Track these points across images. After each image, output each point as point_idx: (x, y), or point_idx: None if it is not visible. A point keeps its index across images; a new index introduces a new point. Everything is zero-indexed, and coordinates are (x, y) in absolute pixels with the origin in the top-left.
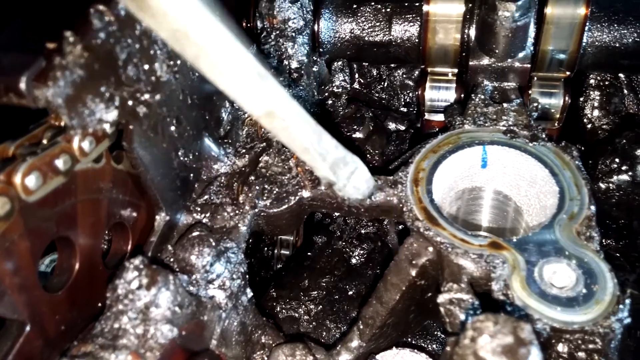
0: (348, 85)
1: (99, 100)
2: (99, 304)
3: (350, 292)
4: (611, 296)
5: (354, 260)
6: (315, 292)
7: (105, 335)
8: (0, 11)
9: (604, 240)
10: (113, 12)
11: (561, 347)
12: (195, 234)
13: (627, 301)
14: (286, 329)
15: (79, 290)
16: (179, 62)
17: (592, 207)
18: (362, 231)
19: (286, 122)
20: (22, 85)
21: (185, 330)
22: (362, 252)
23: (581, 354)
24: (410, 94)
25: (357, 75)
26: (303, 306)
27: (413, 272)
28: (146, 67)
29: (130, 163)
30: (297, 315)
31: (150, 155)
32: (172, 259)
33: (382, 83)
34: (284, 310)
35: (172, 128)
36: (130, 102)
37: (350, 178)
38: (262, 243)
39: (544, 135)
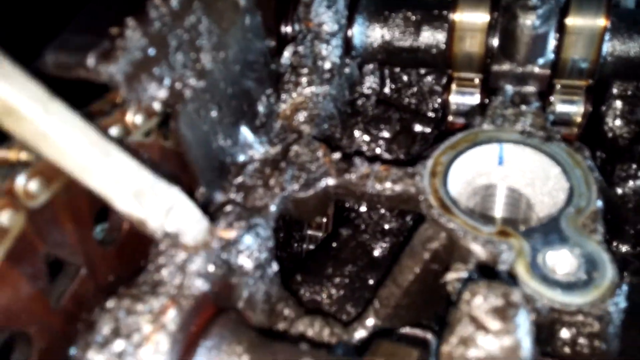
0: (378, 88)
1: (152, 79)
2: (143, 262)
3: (371, 282)
4: (610, 282)
5: (376, 253)
6: (338, 279)
7: (147, 283)
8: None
9: (620, 246)
10: (167, 5)
11: (564, 333)
12: (229, 208)
13: (624, 286)
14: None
15: (127, 248)
16: (222, 55)
17: (599, 203)
18: (386, 226)
19: (37, 125)
20: (90, 62)
21: (217, 287)
22: (384, 245)
23: (582, 340)
24: (438, 100)
25: (387, 81)
26: (326, 290)
27: (426, 256)
28: (193, 55)
29: (175, 141)
30: (319, 298)
31: (193, 135)
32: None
33: (412, 89)
34: (307, 293)
35: (214, 113)
36: (178, 85)
37: (169, 214)
38: (292, 239)
39: (558, 137)
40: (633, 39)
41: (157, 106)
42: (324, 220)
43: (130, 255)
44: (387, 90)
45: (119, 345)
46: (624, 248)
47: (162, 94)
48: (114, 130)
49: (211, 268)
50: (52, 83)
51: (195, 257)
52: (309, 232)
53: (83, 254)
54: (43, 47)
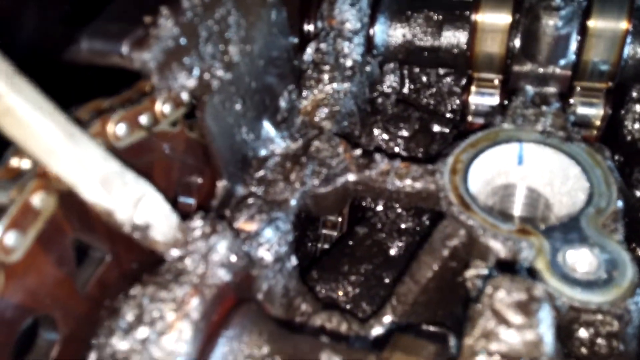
0: (398, 87)
1: (182, 68)
2: None
3: (387, 280)
4: (630, 282)
5: (392, 252)
6: (354, 277)
7: (171, 272)
8: None
9: (637, 248)
10: None
11: (582, 333)
12: (250, 201)
13: None
14: (331, 306)
15: None
16: (248, 48)
17: (620, 203)
18: (402, 225)
19: (5, 99)
20: (124, 49)
21: (238, 278)
22: (400, 244)
23: (600, 340)
24: (457, 101)
25: (407, 81)
26: (342, 288)
27: (445, 253)
28: (222, 47)
29: (200, 132)
30: (335, 295)
31: (218, 127)
32: (229, 222)
33: (431, 89)
34: (323, 290)
35: (238, 107)
36: (206, 76)
37: (137, 206)
38: (306, 238)
39: (578, 137)
40: None
41: (185, 96)
42: (339, 219)
43: None
44: (406, 90)
45: (142, 332)
46: None
47: (191, 83)
48: (144, 119)
49: (233, 258)
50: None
51: (219, 247)
52: (324, 231)
53: (109, 240)
54: (78, 34)
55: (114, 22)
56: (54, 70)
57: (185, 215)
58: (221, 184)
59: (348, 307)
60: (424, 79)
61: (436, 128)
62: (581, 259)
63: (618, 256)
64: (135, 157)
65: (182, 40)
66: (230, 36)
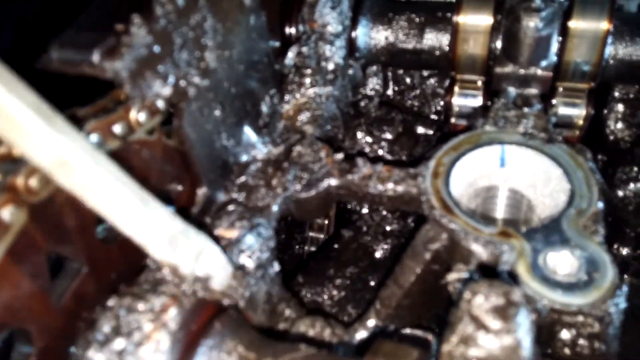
0: (381, 89)
1: (157, 77)
2: (144, 261)
3: (372, 283)
4: (610, 284)
5: (378, 255)
6: (340, 281)
7: (149, 282)
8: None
9: (621, 248)
10: (173, 2)
11: (564, 334)
12: (231, 207)
13: (625, 287)
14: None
15: (129, 246)
16: (226, 54)
17: (600, 205)
18: (387, 228)
19: (87, 175)
20: (95, 58)
21: None
22: (386, 247)
23: (582, 342)
24: (441, 102)
25: (391, 83)
26: (327, 292)
27: (427, 256)
28: (198, 54)
29: (178, 140)
30: (320, 299)
31: (196, 134)
32: (209, 229)
33: (415, 91)
34: (308, 294)
35: (217, 113)
36: (182, 83)
37: (198, 259)
38: (294, 241)
39: (560, 138)
40: (635, 42)
41: (161, 104)
42: (326, 222)
43: (131, 253)
44: (390, 92)
45: (119, 343)
46: (625, 250)
47: (167, 91)
48: (118, 128)
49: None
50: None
51: None
52: (311, 234)
53: (85, 252)
54: (48, 43)
55: (85, 30)
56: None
57: None
58: (201, 191)
59: (333, 310)
60: (408, 80)
61: (420, 130)
62: (562, 261)
63: (599, 257)
64: None
65: (156, 48)
66: (207, 42)
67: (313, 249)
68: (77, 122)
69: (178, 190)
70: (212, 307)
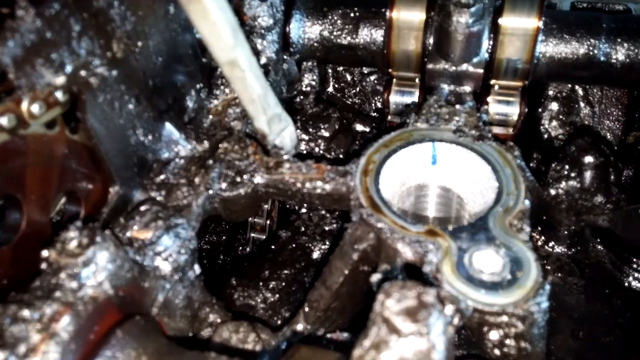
0: (317, 85)
1: (49, 65)
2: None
3: (308, 285)
4: (533, 283)
5: (315, 255)
6: (274, 283)
7: (42, 288)
8: None
9: (555, 247)
10: None
11: (492, 335)
12: (144, 207)
13: (547, 287)
14: (242, 315)
15: (24, 250)
16: (139, 44)
17: (527, 202)
18: (326, 227)
19: (244, 73)
20: None
21: (123, 292)
22: (324, 247)
23: (509, 342)
24: (381, 100)
25: (331, 80)
26: (260, 295)
27: (355, 257)
28: (102, 42)
29: (84, 135)
30: (253, 303)
31: (105, 128)
32: (122, 230)
33: (355, 88)
34: (241, 298)
35: (131, 106)
36: (83, 73)
37: (280, 134)
38: (237, 242)
39: (490, 135)
40: (566, 40)
41: (60, 95)
42: (267, 222)
43: (27, 257)
44: (330, 89)
45: (1, 356)
46: (558, 249)
47: (61, 81)
48: (4, 119)
49: (116, 270)
50: None
51: (98, 259)
52: (253, 235)
53: None
54: None
55: None
56: None
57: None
58: (114, 190)
59: (267, 314)
60: (349, 77)
61: (359, 128)
62: (486, 260)
63: (523, 256)
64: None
65: (48, 34)
66: (113, 30)
67: (258, 235)
68: None
69: (88, 188)
70: (115, 314)
